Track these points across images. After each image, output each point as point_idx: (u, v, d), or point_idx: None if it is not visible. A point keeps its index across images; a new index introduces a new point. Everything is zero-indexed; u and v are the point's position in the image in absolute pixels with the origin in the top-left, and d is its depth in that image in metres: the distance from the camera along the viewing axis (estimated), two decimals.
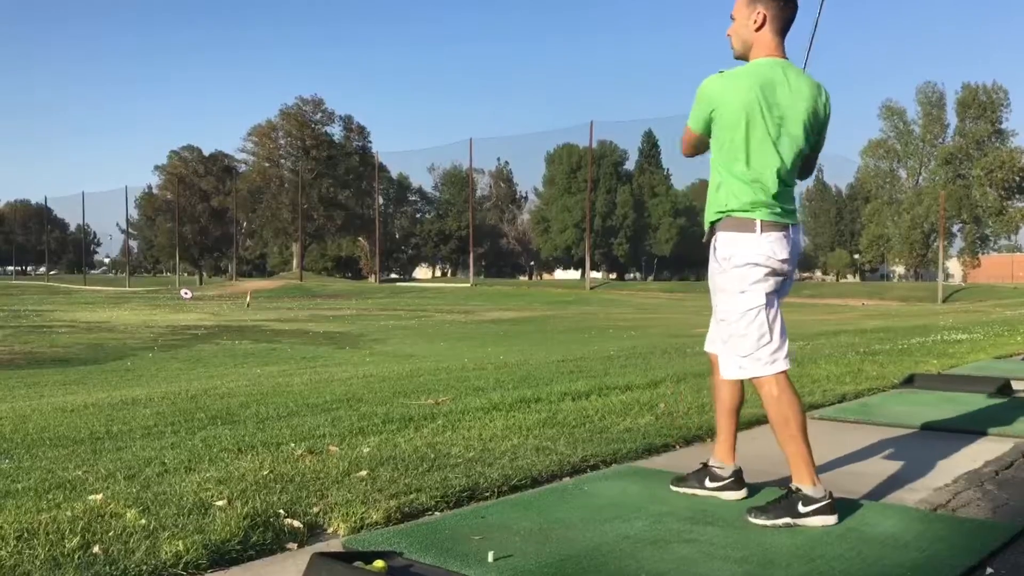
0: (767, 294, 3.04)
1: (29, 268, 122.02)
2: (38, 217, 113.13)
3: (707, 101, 3.07)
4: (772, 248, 3.01)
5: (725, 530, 2.91)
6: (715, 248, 3.10)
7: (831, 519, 2.93)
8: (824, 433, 4.66)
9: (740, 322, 3.05)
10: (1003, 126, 68.19)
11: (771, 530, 2.90)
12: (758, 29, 3.07)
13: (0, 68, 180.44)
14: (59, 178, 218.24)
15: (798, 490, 2.97)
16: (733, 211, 3.04)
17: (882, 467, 3.85)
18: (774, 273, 3.04)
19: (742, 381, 3.25)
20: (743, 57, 3.14)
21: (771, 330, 3.04)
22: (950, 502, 3.29)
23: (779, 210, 3.04)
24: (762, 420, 4.99)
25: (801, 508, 2.94)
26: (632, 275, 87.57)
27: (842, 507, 3.15)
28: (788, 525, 2.92)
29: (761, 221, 3.01)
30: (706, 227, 3.20)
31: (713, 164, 3.13)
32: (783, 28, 3.10)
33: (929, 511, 3.16)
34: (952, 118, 69.65)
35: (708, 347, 3.39)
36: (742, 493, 3.27)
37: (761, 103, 2.99)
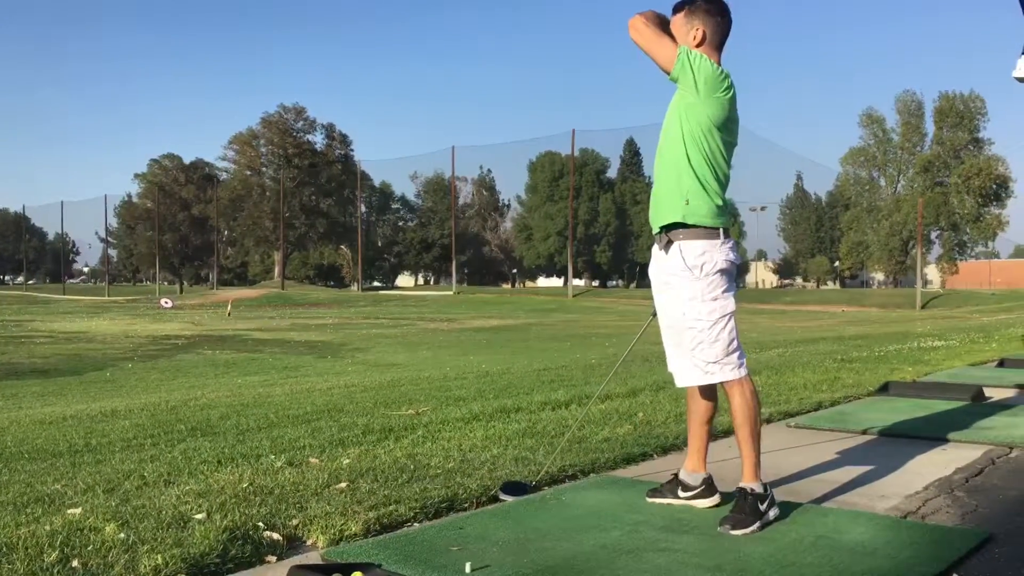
0: (735, 299, 3.17)
1: (7, 278, 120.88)
2: (16, 226, 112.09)
3: (723, 83, 3.08)
4: (734, 254, 3.17)
5: (700, 539, 2.96)
6: (683, 257, 3.13)
7: (777, 510, 3.11)
8: (799, 441, 4.72)
9: (713, 328, 3.11)
10: (980, 135, 69.04)
11: (743, 538, 2.95)
12: (699, 45, 3.15)
13: None
14: (37, 187, 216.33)
15: (752, 491, 3.09)
16: (705, 224, 3.12)
17: (855, 474, 3.91)
18: (733, 278, 3.20)
19: (717, 393, 3.31)
20: None
21: (737, 335, 3.16)
22: (920, 509, 3.35)
23: (727, 217, 3.18)
24: None
25: (762, 507, 3.06)
26: (615, 282, 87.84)
27: (814, 515, 3.21)
28: (761, 528, 3.01)
29: (724, 229, 3.15)
30: (658, 228, 3.20)
31: (685, 166, 3.11)
32: (721, 43, 3.21)
33: (899, 518, 3.22)
34: (930, 127, 70.48)
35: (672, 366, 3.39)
36: (715, 499, 3.33)
37: (736, 109, 3.15)
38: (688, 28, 3.16)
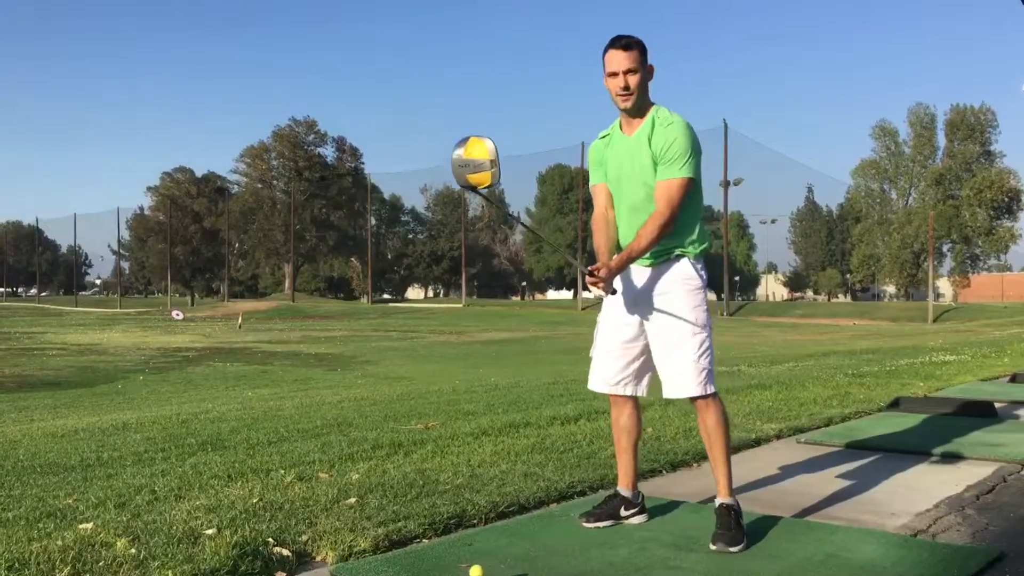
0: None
1: (20, 290, 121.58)
2: (29, 238, 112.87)
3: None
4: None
5: (708, 557, 2.95)
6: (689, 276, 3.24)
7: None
8: (809, 457, 4.71)
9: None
10: (992, 148, 68.86)
11: (752, 556, 2.94)
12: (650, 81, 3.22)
13: None
14: (50, 200, 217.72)
15: (731, 506, 3.16)
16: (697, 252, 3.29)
17: (864, 492, 3.90)
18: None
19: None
20: (637, 112, 3.21)
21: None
22: (931, 527, 3.34)
23: None
24: (747, 443, 5.04)
25: (743, 521, 3.13)
26: None
27: (824, 533, 3.20)
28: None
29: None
30: (653, 259, 3.23)
31: (683, 207, 3.17)
32: None
33: (909, 536, 3.21)
34: (942, 139, 70.33)
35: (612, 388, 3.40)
36: (646, 516, 3.40)
37: None
38: (644, 63, 3.16)
